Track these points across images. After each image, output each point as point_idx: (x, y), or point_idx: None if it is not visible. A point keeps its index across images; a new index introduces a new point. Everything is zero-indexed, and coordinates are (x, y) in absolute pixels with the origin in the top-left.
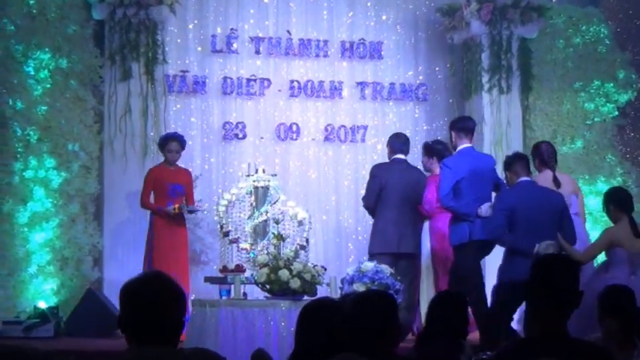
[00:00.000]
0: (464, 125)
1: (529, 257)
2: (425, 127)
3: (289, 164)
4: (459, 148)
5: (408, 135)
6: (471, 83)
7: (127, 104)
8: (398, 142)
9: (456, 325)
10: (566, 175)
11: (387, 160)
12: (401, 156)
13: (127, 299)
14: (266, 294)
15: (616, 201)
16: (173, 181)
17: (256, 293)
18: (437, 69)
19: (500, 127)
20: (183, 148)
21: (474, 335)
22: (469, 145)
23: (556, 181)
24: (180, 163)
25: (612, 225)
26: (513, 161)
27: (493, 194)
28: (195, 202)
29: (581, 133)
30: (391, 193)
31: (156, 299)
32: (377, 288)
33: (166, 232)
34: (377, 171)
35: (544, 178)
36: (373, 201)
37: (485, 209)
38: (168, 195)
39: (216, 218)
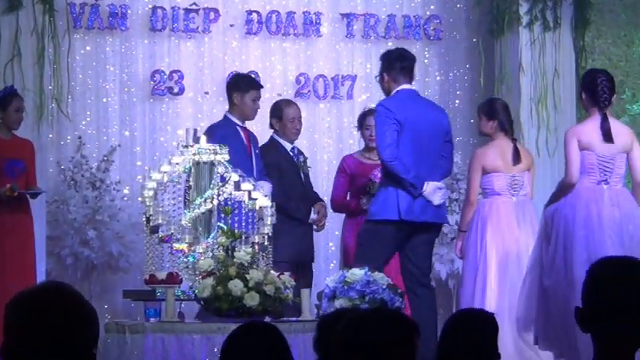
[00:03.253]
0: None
1: (414, 198)
2: (438, 77)
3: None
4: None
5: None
6: (503, 15)
7: (15, 45)
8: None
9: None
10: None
11: None
12: None
13: (15, 320)
14: (211, 315)
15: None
16: (10, 155)
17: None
18: None
19: (544, 78)
20: None
21: None
22: None
23: (516, 155)
24: (90, 129)
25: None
26: (393, 61)
27: None
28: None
29: None
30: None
31: (57, 320)
32: (368, 305)
33: (3, 225)
34: None
35: (500, 146)
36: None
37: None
38: (5, 173)
39: (140, 207)
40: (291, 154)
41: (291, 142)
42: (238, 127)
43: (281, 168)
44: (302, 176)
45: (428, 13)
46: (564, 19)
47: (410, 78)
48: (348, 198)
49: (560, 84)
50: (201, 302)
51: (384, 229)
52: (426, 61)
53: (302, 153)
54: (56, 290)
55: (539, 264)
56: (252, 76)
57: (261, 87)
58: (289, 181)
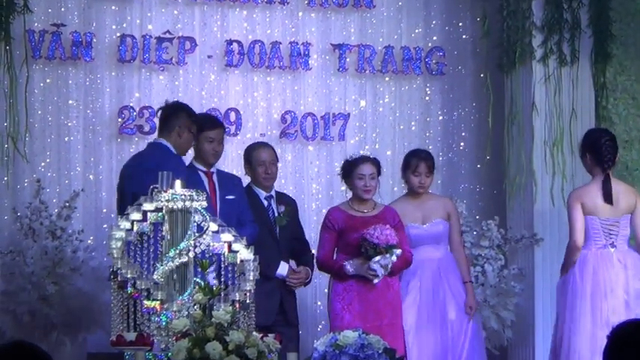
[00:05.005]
0: None
1: None
2: (440, 117)
3: None
4: None
5: (414, 129)
6: (514, 48)
7: None
8: None
9: None
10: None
11: None
12: None
13: None
14: None
15: None
16: None
17: None
18: (460, 25)
19: (560, 118)
20: None
21: None
22: None
23: None
24: (50, 172)
25: None
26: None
27: None
28: None
29: None
30: None
31: None
32: None
33: None
34: None
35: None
36: None
37: None
38: None
39: (106, 260)
40: (265, 203)
41: (266, 190)
42: (201, 173)
43: None
44: (276, 229)
45: (430, 44)
46: (583, 53)
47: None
48: (335, 257)
49: (578, 125)
50: None
51: None
52: (427, 98)
53: (286, 202)
54: (23, 350)
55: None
56: (211, 114)
57: (218, 126)
58: None
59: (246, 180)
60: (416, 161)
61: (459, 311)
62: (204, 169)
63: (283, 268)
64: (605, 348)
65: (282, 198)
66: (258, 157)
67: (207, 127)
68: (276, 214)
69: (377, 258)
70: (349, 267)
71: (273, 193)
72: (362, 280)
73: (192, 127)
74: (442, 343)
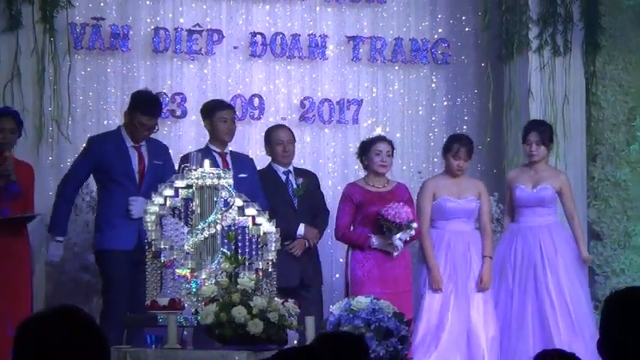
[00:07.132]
0: None
1: None
2: (445, 102)
3: (249, 155)
4: None
5: (421, 113)
6: (512, 39)
7: (15, 66)
8: None
9: None
10: None
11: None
12: None
13: (25, 346)
14: (215, 342)
15: None
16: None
17: (200, 340)
18: (464, 18)
19: (554, 104)
20: (19, 130)
21: None
22: None
23: None
24: None
25: None
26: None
27: None
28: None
29: None
30: None
31: (67, 346)
32: (374, 334)
33: None
34: None
35: None
36: None
37: None
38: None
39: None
40: (284, 177)
41: (284, 167)
42: (215, 154)
43: (266, 193)
44: (294, 201)
45: (436, 36)
46: (575, 44)
47: None
48: (352, 228)
49: (570, 110)
50: (204, 329)
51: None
52: (433, 85)
53: (305, 175)
54: (66, 315)
55: None
56: (222, 99)
57: (229, 107)
58: (274, 205)
59: (264, 161)
60: (457, 146)
61: (475, 283)
62: (219, 150)
63: (301, 229)
64: (602, 312)
65: (301, 172)
66: (276, 137)
67: (220, 108)
68: (294, 187)
69: (398, 235)
70: (375, 240)
71: (291, 168)
72: (379, 249)
73: (131, 115)
74: (465, 315)
